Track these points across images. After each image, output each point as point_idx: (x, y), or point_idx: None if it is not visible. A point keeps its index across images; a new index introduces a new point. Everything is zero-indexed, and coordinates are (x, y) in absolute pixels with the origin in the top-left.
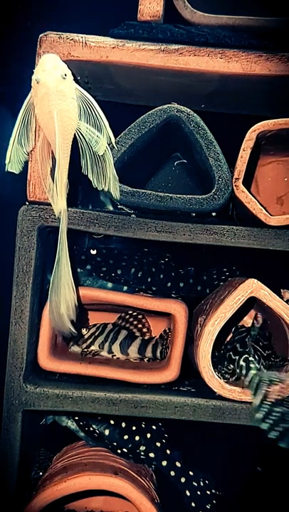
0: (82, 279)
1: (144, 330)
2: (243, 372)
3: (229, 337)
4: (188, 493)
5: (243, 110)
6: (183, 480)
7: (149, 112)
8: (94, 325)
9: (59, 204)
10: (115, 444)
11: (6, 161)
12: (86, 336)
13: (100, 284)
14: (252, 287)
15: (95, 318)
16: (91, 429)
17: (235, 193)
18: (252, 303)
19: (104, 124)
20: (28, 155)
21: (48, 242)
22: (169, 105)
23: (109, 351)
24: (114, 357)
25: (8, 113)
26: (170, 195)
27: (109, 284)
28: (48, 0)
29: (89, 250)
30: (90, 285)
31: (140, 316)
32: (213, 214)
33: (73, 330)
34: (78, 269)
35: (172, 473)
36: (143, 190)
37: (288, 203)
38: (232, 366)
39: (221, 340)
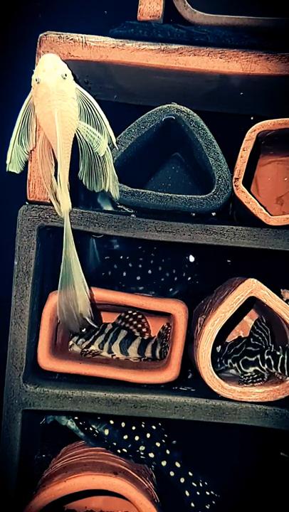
0: None
1: (144, 330)
2: (272, 363)
3: (221, 348)
4: (187, 493)
5: (243, 110)
6: (182, 480)
7: (149, 112)
8: None
9: (64, 205)
10: (115, 444)
11: (7, 161)
12: (86, 336)
13: None
14: (252, 287)
15: None
16: (91, 429)
17: (235, 192)
18: (252, 303)
19: (105, 123)
20: (29, 155)
21: (48, 242)
22: (169, 105)
23: (109, 351)
24: (114, 357)
25: (9, 113)
26: (170, 195)
27: None
28: (48, 0)
29: None
30: None
31: (140, 316)
32: (213, 214)
33: (94, 325)
34: None
35: (172, 473)
36: (143, 190)
37: (288, 203)
38: (252, 368)
39: (220, 340)
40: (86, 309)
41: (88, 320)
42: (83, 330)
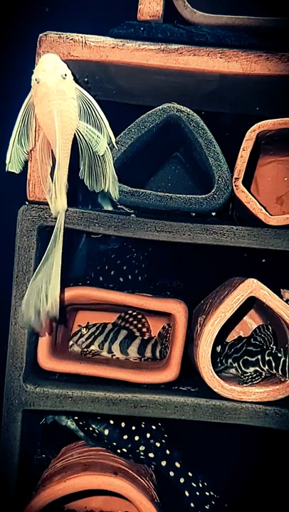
0: None
1: (144, 330)
2: (273, 364)
3: (221, 348)
4: (187, 493)
5: (243, 110)
6: (182, 480)
7: (149, 112)
8: (94, 325)
9: (59, 204)
10: (115, 444)
11: (7, 161)
12: (86, 336)
13: None
14: (252, 287)
15: (95, 318)
16: (90, 429)
17: (235, 192)
18: (252, 303)
19: (105, 123)
20: (28, 155)
21: (48, 242)
22: (169, 105)
23: (109, 351)
24: (114, 357)
25: (9, 113)
26: (170, 194)
27: None
28: (48, 0)
29: None
30: None
31: (140, 316)
32: (213, 214)
33: (43, 328)
34: None
35: (171, 473)
36: (143, 190)
37: (288, 203)
38: (252, 368)
39: (220, 340)
40: (54, 310)
41: (42, 322)
42: (39, 330)
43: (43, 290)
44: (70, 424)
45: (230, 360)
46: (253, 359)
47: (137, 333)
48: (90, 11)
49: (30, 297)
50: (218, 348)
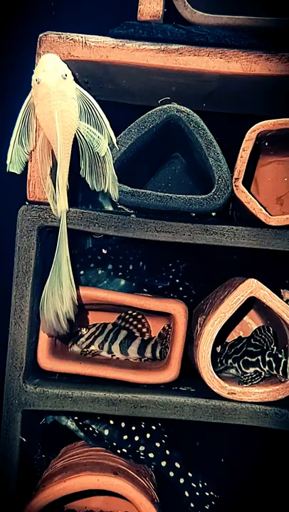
0: (99, 280)
1: (144, 330)
2: (274, 365)
3: (222, 348)
4: (186, 493)
5: (243, 110)
6: (182, 481)
7: (149, 112)
8: (94, 325)
9: (61, 205)
10: (115, 444)
11: (8, 161)
12: (86, 336)
13: (115, 282)
14: (252, 287)
15: (95, 318)
16: (90, 429)
17: (235, 193)
18: (252, 303)
19: (105, 123)
20: (29, 155)
21: (48, 242)
22: (169, 105)
23: (109, 351)
24: (114, 357)
25: (9, 113)
26: (170, 195)
27: (122, 282)
28: (48, 0)
29: (100, 250)
30: (106, 285)
31: (140, 316)
32: (213, 214)
33: (67, 330)
34: (99, 271)
35: (171, 473)
36: (143, 190)
37: (288, 203)
38: (252, 368)
39: (220, 340)
40: (71, 310)
41: (64, 324)
42: (65, 332)
43: (57, 292)
44: (70, 424)
45: (230, 361)
46: (253, 359)
47: (137, 334)
48: (90, 11)
49: (48, 301)
50: (218, 349)
